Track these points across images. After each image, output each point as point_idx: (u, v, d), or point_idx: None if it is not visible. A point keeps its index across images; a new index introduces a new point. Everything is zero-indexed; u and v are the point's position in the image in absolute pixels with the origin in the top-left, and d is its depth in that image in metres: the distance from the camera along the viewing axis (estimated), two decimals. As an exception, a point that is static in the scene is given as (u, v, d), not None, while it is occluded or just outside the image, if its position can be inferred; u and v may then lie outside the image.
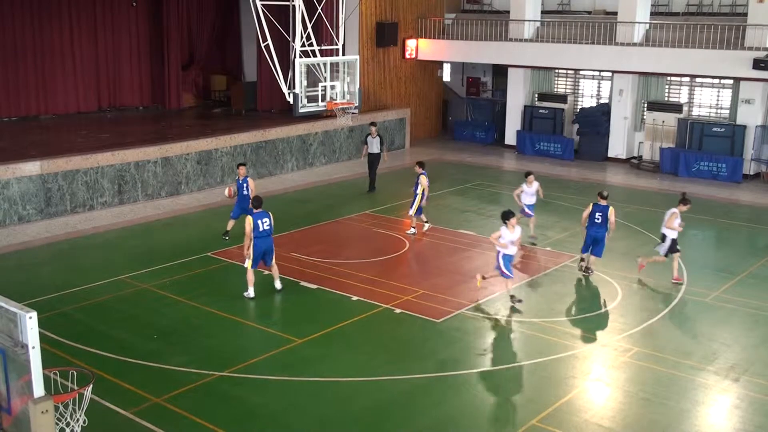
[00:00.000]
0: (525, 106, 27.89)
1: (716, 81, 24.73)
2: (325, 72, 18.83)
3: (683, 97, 25.68)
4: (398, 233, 17.56)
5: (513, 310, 13.05)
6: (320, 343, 11.72)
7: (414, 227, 17.42)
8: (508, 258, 13.12)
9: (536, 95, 28.23)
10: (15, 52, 24.32)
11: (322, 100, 18.94)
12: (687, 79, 25.23)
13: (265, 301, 13.16)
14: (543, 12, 28.16)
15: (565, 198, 21.11)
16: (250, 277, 13.29)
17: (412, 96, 29.30)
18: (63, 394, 7.51)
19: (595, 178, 23.90)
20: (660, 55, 23.81)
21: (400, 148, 27.96)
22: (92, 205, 18.86)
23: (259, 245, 13.07)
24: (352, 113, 21.24)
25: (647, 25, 24.97)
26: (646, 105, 25.79)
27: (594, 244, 14.54)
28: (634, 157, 26.00)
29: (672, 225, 14.19)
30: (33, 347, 6.69)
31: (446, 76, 31.74)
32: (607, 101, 26.97)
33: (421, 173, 17.07)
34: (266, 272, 13.80)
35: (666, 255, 14.38)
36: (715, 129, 23.85)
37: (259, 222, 13.00)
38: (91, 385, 7.52)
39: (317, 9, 19.89)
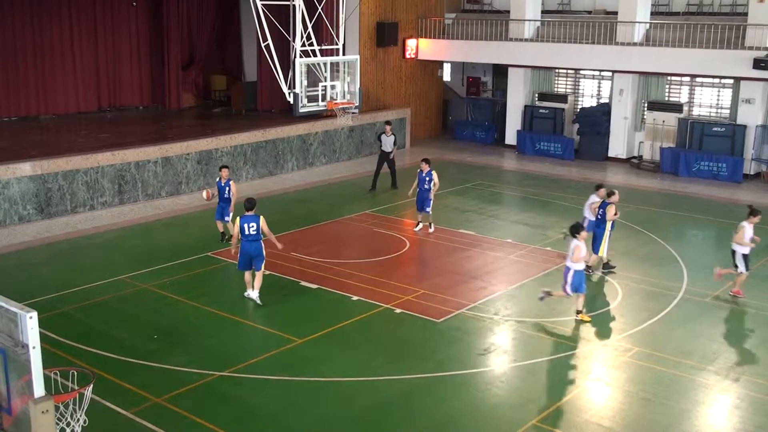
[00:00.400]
0: (525, 106, 27.89)
1: (716, 81, 24.73)
2: (326, 72, 18.82)
3: (683, 97, 25.68)
4: (398, 233, 17.56)
5: (578, 323, 12.53)
6: (320, 343, 11.72)
7: (420, 224, 17.60)
8: (579, 274, 12.42)
9: (536, 95, 28.23)
10: (15, 52, 24.32)
11: (323, 100, 18.92)
12: (687, 78, 25.23)
13: (265, 301, 13.15)
14: (543, 12, 28.16)
15: (565, 198, 21.11)
16: (246, 278, 13.28)
17: (412, 96, 29.30)
18: (63, 394, 7.52)
19: (595, 178, 23.84)
20: (660, 55, 23.81)
21: (400, 147, 27.79)
22: (92, 205, 18.86)
23: (245, 248, 12.92)
24: (353, 113, 21.22)
25: (647, 25, 24.97)
26: (646, 105, 25.79)
27: (593, 240, 14.56)
28: (634, 157, 26.01)
29: (742, 240, 13.45)
30: (33, 347, 6.69)
31: (446, 76, 31.73)
32: (607, 101, 26.97)
33: (430, 170, 17.24)
34: (267, 273, 13.79)
35: (747, 269, 13.66)
36: (715, 129, 23.86)
37: (246, 226, 12.84)
38: (92, 385, 7.53)
39: (317, 9, 19.88)
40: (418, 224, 17.67)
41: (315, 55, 18.99)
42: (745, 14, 23.74)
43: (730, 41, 22.80)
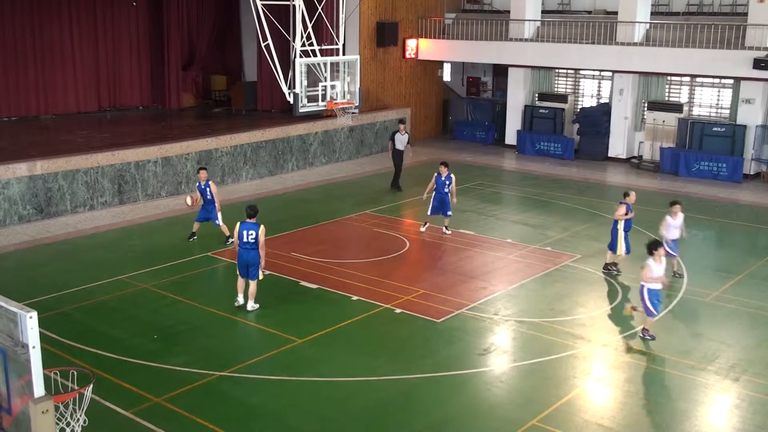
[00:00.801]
0: (525, 106, 27.89)
1: (716, 81, 24.73)
2: (326, 72, 18.82)
3: (683, 97, 25.68)
4: (398, 233, 17.56)
5: (643, 341, 11.93)
6: (320, 343, 11.72)
7: (426, 228, 17.47)
8: (654, 293, 11.80)
9: (536, 95, 28.23)
10: (15, 52, 24.34)
11: (323, 100, 18.94)
12: (687, 78, 25.23)
13: (265, 301, 13.14)
14: (543, 12, 28.16)
15: (565, 198, 21.11)
16: (239, 284, 12.90)
17: (412, 96, 29.29)
18: (63, 394, 7.52)
19: (595, 178, 23.90)
20: (660, 55, 23.80)
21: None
22: (92, 205, 18.86)
23: (242, 255, 12.59)
24: (353, 113, 21.24)
25: (647, 25, 24.97)
26: (646, 105, 25.78)
27: (610, 240, 14.96)
28: (634, 157, 26.00)
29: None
30: (33, 347, 6.69)
31: (446, 76, 31.73)
32: (607, 101, 26.96)
33: (449, 173, 17.09)
34: (267, 273, 13.78)
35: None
36: (715, 129, 23.86)
37: (245, 233, 12.49)
38: (92, 385, 7.53)
39: (317, 9, 19.89)
40: (425, 224, 17.53)
41: (315, 55, 19.00)
42: (745, 14, 23.74)
43: (730, 41, 22.80)
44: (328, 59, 19.03)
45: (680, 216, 14.43)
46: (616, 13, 25.46)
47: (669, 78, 25.48)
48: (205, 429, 9.32)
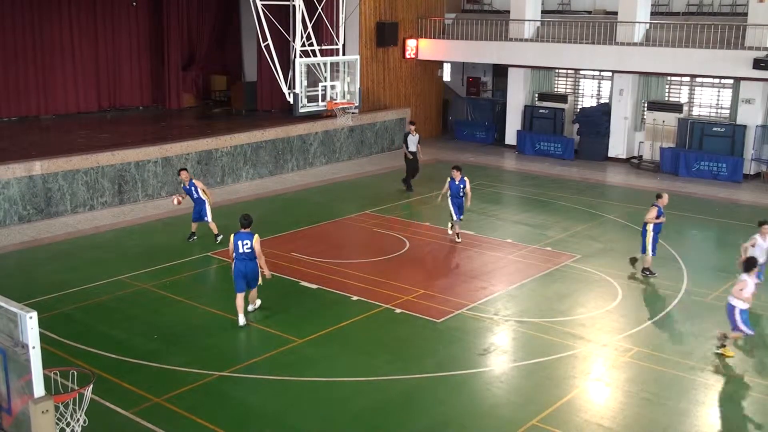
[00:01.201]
0: (525, 106, 27.88)
1: (716, 81, 24.72)
2: (325, 72, 18.82)
3: (683, 97, 25.68)
4: (398, 233, 17.56)
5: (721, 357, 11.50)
6: (320, 343, 11.72)
7: (453, 231, 17.01)
8: (746, 313, 11.34)
9: (536, 95, 28.23)
10: (15, 52, 24.33)
11: (322, 100, 18.94)
12: (687, 78, 25.22)
13: (265, 302, 13.14)
14: (543, 12, 28.15)
15: (565, 198, 21.11)
16: (238, 303, 12.22)
17: (412, 96, 29.29)
18: (63, 394, 7.52)
19: (595, 178, 23.90)
20: (660, 55, 23.80)
21: (400, 147, 27.87)
22: (92, 205, 18.86)
23: (239, 267, 12.02)
24: (352, 113, 21.24)
25: (647, 25, 24.97)
26: (646, 105, 25.78)
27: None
28: (634, 157, 26.00)
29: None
30: (33, 347, 6.69)
31: (446, 76, 31.73)
32: (607, 101, 26.96)
33: (463, 177, 16.64)
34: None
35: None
36: (715, 129, 23.86)
37: (239, 243, 11.94)
38: (92, 385, 7.52)
39: (317, 9, 19.89)
40: (451, 227, 17.04)
41: (315, 55, 19.00)
42: (745, 14, 23.74)
43: (730, 41, 22.79)
44: (328, 59, 19.04)
45: None
46: (616, 13, 25.46)
47: (669, 78, 25.48)
48: (205, 429, 9.32)
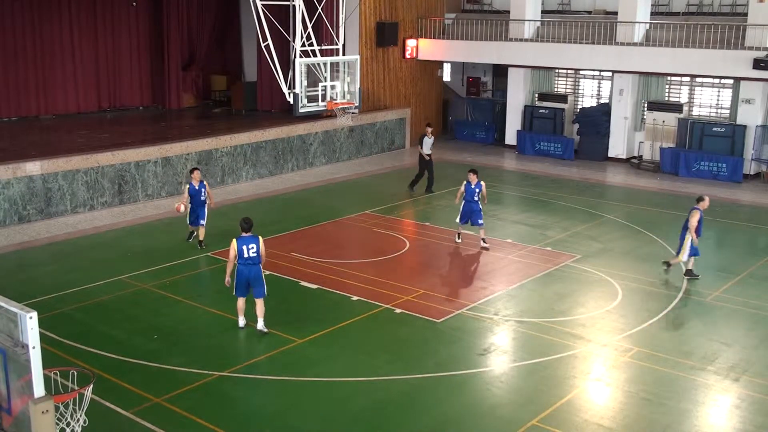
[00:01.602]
0: (525, 106, 27.89)
1: (716, 81, 24.73)
2: (325, 72, 18.82)
3: (683, 97, 25.68)
4: (398, 233, 17.56)
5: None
6: (320, 343, 11.72)
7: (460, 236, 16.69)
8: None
9: (536, 95, 28.23)
10: (15, 52, 24.34)
11: (322, 100, 18.93)
12: (687, 79, 25.23)
13: (266, 302, 13.12)
14: (543, 12, 28.16)
15: (565, 198, 21.11)
16: (239, 305, 12.05)
17: (412, 96, 29.30)
18: (63, 394, 7.51)
19: (595, 178, 23.91)
20: (660, 55, 23.80)
21: (400, 147, 27.98)
22: (92, 205, 18.86)
23: (243, 272, 11.68)
24: (352, 113, 21.23)
25: (647, 25, 24.97)
26: (646, 105, 25.78)
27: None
28: (634, 157, 26.00)
29: None
30: (33, 347, 6.68)
31: (446, 76, 31.73)
32: (607, 101, 26.97)
33: (479, 181, 16.23)
34: (267, 273, 13.76)
35: None
36: (715, 129, 23.86)
37: (244, 248, 11.56)
38: (92, 385, 7.52)
39: (317, 9, 19.89)
40: (458, 235, 16.66)
41: (315, 55, 19.00)
42: (745, 14, 23.74)
43: (730, 41, 22.80)
44: (328, 59, 19.03)
45: None
46: (616, 13, 25.46)
47: (669, 78, 25.48)
48: (205, 429, 9.32)
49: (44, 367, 6.90)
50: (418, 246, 16.77)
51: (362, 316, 12.80)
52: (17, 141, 21.20)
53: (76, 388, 7.58)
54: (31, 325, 6.65)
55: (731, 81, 24.02)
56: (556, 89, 28.41)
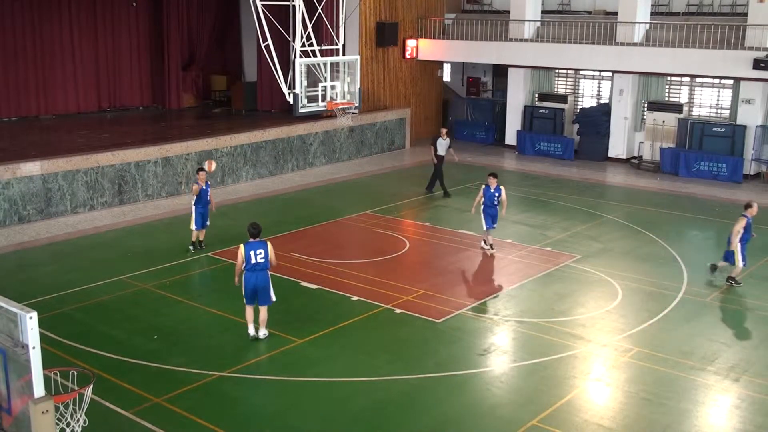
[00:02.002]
0: (525, 106, 27.89)
1: (716, 81, 24.73)
2: (325, 72, 18.83)
3: (683, 97, 25.68)
4: (398, 233, 17.56)
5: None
6: (320, 343, 11.72)
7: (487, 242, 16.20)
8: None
9: (536, 95, 28.23)
10: (15, 52, 24.32)
11: (322, 100, 18.94)
12: (687, 79, 25.23)
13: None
14: (543, 12, 28.15)
15: (565, 198, 21.12)
16: (248, 315, 11.75)
17: (412, 96, 29.30)
18: (63, 394, 7.51)
19: (595, 179, 23.91)
20: (660, 55, 23.80)
21: (400, 148, 27.97)
22: (92, 205, 18.85)
23: (250, 280, 11.39)
24: (352, 113, 21.23)
25: (647, 25, 24.97)
26: (646, 105, 25.78)
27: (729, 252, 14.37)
28: (634, 157, 26.00)
29: None
30: (33, 347, 6.68)
31: (446, 76, 31.73)
32: (607, 101, 26.97)
33: (498, 186, 15.82)
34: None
35: None
36: (715, 129, 23.86)
37: (252, 254, 11.27)
38: (92, 386, 7.52)
39: (317, 9, 19.90)
40: (484, 242, 16.21)
41: (315, 56, 19.00)
42: (745, 14, 23.74)
43: (730, 41, 22.80)
44: (328, 59, 19.04)
45: None
46: (616, 13, 25.46)
47: (669, 78, 25.48)
48: (205, 429, 9.32)
49: (44, 367, 6.90)
50: (418, 246, 16.78)
51: (362, 316, 12.80)
52: (17, 141, 21.20)
53: (76, 388, 7.58)
54: (31, 325, 6.65)
55: (731, 81, 24.02)
56: (556, 89, 28.41)
